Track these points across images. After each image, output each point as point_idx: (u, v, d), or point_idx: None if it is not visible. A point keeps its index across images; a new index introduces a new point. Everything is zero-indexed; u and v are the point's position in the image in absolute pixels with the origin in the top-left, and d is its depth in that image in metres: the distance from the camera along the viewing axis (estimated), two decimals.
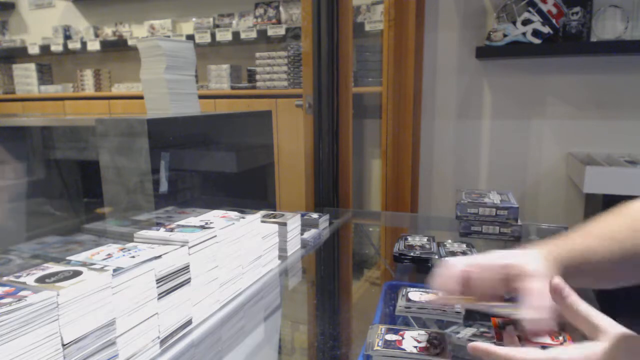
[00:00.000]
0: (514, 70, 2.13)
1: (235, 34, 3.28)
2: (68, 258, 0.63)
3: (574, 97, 2.07)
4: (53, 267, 0.59)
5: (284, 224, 1.07)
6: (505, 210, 1.23)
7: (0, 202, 1.22)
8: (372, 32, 2.77)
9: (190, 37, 3.38)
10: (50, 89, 3.92)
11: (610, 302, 0.63)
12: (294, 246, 1.13)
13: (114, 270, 0.59)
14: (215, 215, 0.89)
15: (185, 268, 0.72)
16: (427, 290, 0.81)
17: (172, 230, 0.77)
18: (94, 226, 0.87)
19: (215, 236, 0.79)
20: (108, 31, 3.83)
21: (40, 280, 0.55)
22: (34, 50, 3.94)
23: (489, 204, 1.25)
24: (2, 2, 4.14)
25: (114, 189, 0.99)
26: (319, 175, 1.65)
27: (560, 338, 0.56)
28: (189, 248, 0.73)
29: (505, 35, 1.96)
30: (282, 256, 1.07)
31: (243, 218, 0.88)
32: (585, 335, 0.50)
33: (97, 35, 3.85)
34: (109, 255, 0.65)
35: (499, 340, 0.59)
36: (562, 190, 2.14)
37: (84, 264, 0.61)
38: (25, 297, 0.50)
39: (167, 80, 1.32)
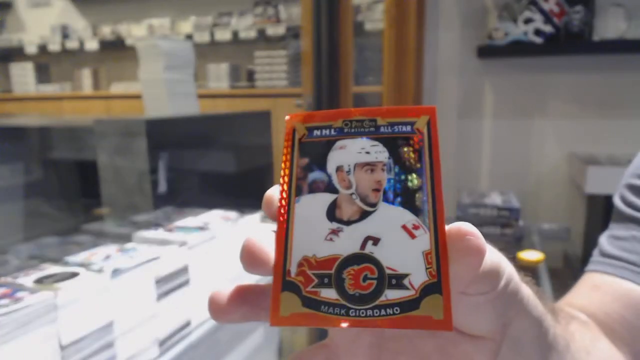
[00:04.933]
0: (516, 70, 2.12)
1: (235, 33, 3.27)
2: (66, 259, 0.63)
3: (576, 96, 2.07)
4: (51, 268, 0.59)
5: None
6: (507, 211, 1.22)
7: None
8: (373, 31, 2.76)
9: (189, 36, 3.38)
10: (48, 89, 3.91)
11: None
12: None
13: (113, 271, 0.58)
14: (214, 216, 0.88)
15: (184, 269, 0.71)
16: None
17: (170, 230, 0.77)
18: (93, 227, 0.86)
19: (215, 237, 0.78)
20: (106, 30, 3.83)
21: (38, 281, 0.54)
22: (31, 49, 3.93)
23: (490, 204, 1.24)
24: None
25: (112, 189, 0.98)
26: None
27: None
28: (188, 249, 0.72)
29: (506, 34, 1.95)
30: None
31: (242, 218, 0.88)
32: None
33: (95, 35, 3.84)
34: (108, 256, 0.64)
35: None
36: (564, 191, 2.13)
37: (82, 265, 0.60)
38: (23, 298, 0.49)
39: (165, 80, 1.31)
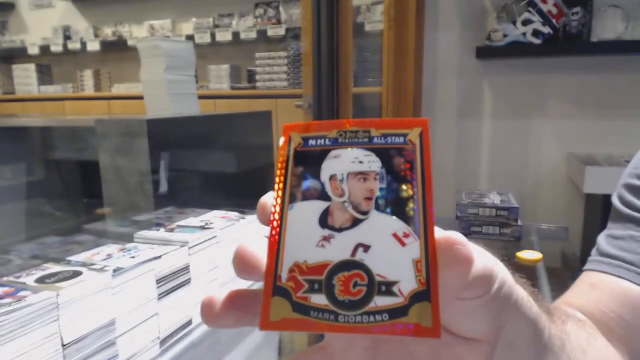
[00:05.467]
0: (514, 71, 2.12)
1: (235, 34, 3.28)
2: (68, 258, 0.63)
3: (574, 97, 2.07)
4: (53, 268, 0.59)
5: None
6: (506, 211, 1.22)
7: (0, 202, 1.22)
8: (372, 32, 2.77)
9: (190, 37, 3.38)
10: (50, 90, 3.92)
11: None
12: None
13: (114, 271, 0.59)
14: (215, 216, 0.89)
15: (185, 268, 0.72)
16: None
17: (172, 230, 0.77)
18: (94, 226, 0.87)
19: (215, 236, 0.79)
20: (108, 31, 3.83)
21: (40, 280, 0.55)
22: (33, 50, 3.94)
23: (489, 204, 1.24)
24: (1, 2, 4.13)
25: (113, 189, 0.99)
26: None
27: None
28: (189, 248, 0.73)
29: (505, 36, 1.96)
30: None
31: (243, 218, 0.88)
32: None
33: (96, 36, 3.85)
34: (109, 256, 0.65)
35: None
36: (562, 191, 2.13)
37: (83, 264, 0.60)
38: (25, 297, 0.49)
39: (166, 80, 1.32)
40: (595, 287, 0.51)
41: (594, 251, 0.55)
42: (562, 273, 1.14)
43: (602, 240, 0.54)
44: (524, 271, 0.30)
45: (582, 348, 0.38)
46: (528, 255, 1.08)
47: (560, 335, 0.33)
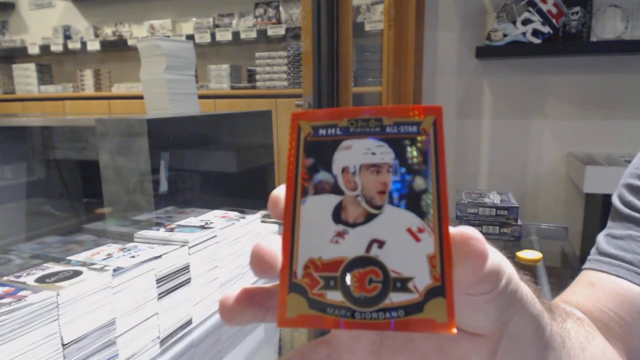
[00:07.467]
0: (514, 70, 2.13)
1: (235, 34, 3.28)
2: (68, 258, 0.64)
3: (574, 96, 2.07)
4: (53, 267, 0.59)
5: None
6: (506, 210, 1.23)
7: (0, 202, 1.22)
8: (372, 32, 2.77)
9: (190, 37, 3.38)
10: (50, 89, 3.92)
11: None
12: None
13: (114, 270, 0.59)
14: (215, 215, 0.89)
15: (185, 268, 0.72)
16: None
17: (172, 230, 0.77)
18: (94, 226, 0.87)
19: (216, 236, 0.79)
20: (108, 31, 3.83)
21: (40, 280, 0.55)
22: (33, 50, 3.94)
23: (489, 204, 1.25)
24: (2, 2, 4.14)
25: (113, 189, 0.99)
26: None
27: None
28: (189, 248, 0.73)
29: (505, 35, 1.96)
30: None
31: (243, 218, 0.88)
32: None
33: (97, 35, 3.85)
34: (109, 255, 0.65)
35: None
36: (562, 190, 2.13)
37: (84, 264, 0.61)
38: (25, 297, 0.49)
39: (166, 80, 1.32)
40: (594, 285, 0.51)
41: (593, 250, 0.55)
42: (562, 273, 1.14)
43: (601, 239, 0.55)
44: (524, 270, 0.30)
45: (581, 345, 0.38)
46: (528, 254, 1.08)
47: (561, 333, 0.33)
